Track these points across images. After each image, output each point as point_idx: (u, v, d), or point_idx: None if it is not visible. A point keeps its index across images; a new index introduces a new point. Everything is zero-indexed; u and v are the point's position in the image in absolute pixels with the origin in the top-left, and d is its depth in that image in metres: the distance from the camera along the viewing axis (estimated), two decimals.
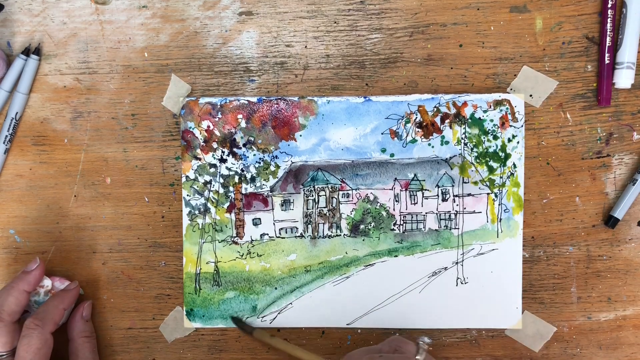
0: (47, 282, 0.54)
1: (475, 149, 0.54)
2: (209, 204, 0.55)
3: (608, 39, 0.53)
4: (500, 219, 0.54)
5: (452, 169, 0.54)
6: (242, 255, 0.55)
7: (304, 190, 0.55)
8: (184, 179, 0.55)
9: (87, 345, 0.53)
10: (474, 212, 0.54)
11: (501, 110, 0.54)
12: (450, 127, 0.54)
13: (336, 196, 0.55)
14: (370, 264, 0.55)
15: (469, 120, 0.54)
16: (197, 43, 0.55)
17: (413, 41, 0.54)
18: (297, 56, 0.55)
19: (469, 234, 0.54)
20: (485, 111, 0.54)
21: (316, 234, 0.55)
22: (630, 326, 0.55)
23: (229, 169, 0.55)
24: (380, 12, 0.54)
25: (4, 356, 0.49)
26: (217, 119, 0.55)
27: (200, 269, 0.55)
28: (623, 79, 0.53)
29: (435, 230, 0.55)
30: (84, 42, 0.55)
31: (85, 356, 0.52)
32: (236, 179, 0.55)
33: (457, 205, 0.54)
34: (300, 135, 0.55)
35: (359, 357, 0.47)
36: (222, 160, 0.55)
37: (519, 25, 0.54)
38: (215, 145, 0.55)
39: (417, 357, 0.46)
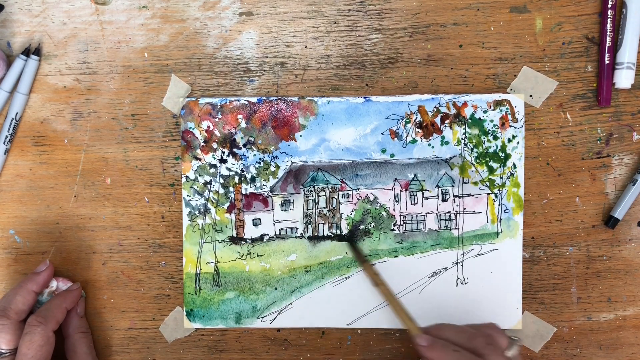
0: (52, 283, 0.54)
1: (475, 149, 0.54)
2: (209, 205, 0.55)
3: (608, 39, 0.53)
4: (500, 219, 0.54)
5: (452, 169, 0.54)
6: (242, 256, 0.55)
7: (304, 190, 0.55)
8: (184, 179, 0.55)
9: (83, 341, 0.53)
10: (474, 212, 0.54)
11: (501, 111, 0.54)
12: (450, 128, 0.54)
13: (336, 196, 0.55)
14: (370, 265, 0.55)
15: (469, 121, 0.54)
16: (197, 43, 0.55)
17: (413, 41, 0.54)
18: (297, 56, 0.55)
19: (469, 234, 0.54)
20: (485, 111, 0.54)
21: (317, 234, 0.55)
22: (630, 326, 0.55)
23: (229, 170, 0.55)
24: (380, 12, 0.54)
25: (7, 354, 0.49)
26: (217, 120, 0.55)
27: (200, 269, 0.55)
28: (623, 79, 0.53)
29: (436, 230, 0.55)
30: (84, 43, 0.55)
31: (83, 351, 0.53)
32: (236, 179, 0.55)
33: (457, 205, 0.54)
34: (300, 136, 0.55)
35: (449, 334, 0.47)
36: (222, 161, 0.55)
37: (519, 26, 0.54)
38: (215, 145, 0.55)
39: (507, 353, 0.46)
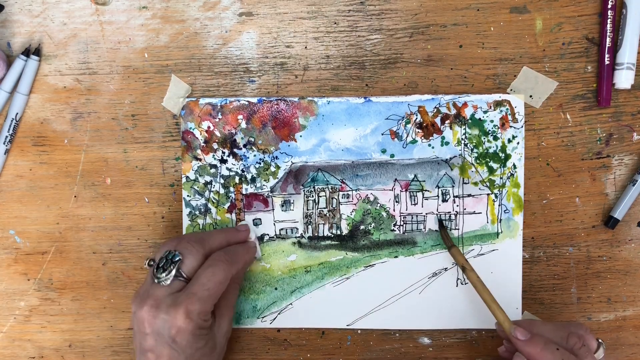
0: (252, 236, 0.54)
1: (475, 150, 0.54)
2: (209, 205, 0.55)
3: (608, 39, 0.53)
4: (500, 220, 0.54)
5: (452, 169, 0.54)
6: None
7: (304, 190, 0.55)
8: (184, 180, 0.55)
9: (235, 292, 0.52)
10: (474, 212, 0.54)
11: (501, 111, 0.54)
12: (451, 128, 0.54)
13: (336, 197, 0.55)
14: (370, 265, 0.55)
15: (469, 121, 0.54)
16: (197, 44, 0.55)
17: (413, 42, 0.54)
18: (297, 57, 0.55)
19: (469, 234, 0.54)
20: (485, 112, 0.54)
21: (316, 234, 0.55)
22: (630, 327, 0.55)
23: (230, 170, 0.55)
24: (380, 12, 0.54)
25: (182, 279, 0.47)
26: (217, 120, 0.55)
27: None
28: (623, 79, 0.53)
29: (436, 230, 0.55)
30: (84, 43, 0.55)
31: (231, 301, 0.52)
32: (236, 179, 0.55)
33: (457, 206, 0.54)
34: (301, 136, 0.55)
35: (543, 330, 0.46)
36: (223, 161, 0.55)
37: (519, 26, 0.54)
38: (215, 145, 0.55)
39: (597, 355, 0.46)
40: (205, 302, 0.46)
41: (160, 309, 0.45)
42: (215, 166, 0.55)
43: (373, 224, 0.55)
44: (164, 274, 0.47)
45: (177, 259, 0.47)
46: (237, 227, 0.54)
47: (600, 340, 0.48)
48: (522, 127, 0.54)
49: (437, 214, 0.54)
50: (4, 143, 0.55)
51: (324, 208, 0.55)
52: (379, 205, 0.55)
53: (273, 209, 0.55)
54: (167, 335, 0.45)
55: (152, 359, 0.46)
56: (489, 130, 0.54)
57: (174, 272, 0.47)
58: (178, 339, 0.45)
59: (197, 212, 0.55)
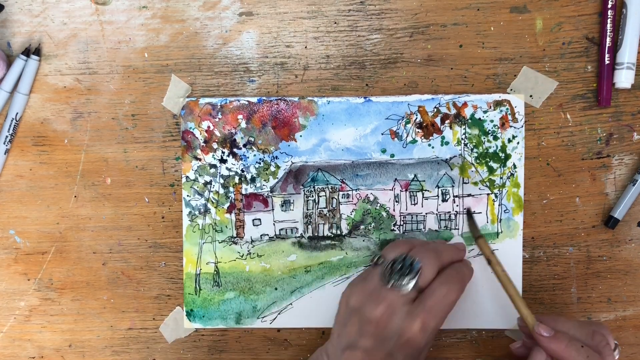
0: None
1: (475, 150, 0.54)
2: (209, 205, 0.55)
3: (608, 39, 0.53)
4: (500, 220, 0.54)
5: (452, 169, 0.54)
6: (242, 256, 0.55)
7: (304, 190, 0.55)
8: (184, 180, 0.55)
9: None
10: (474, 212, 0.54)
11: (501, 111, 0.54)
12: (451, 128, 0.54)
13: (336, 197, 0.55)
14: (369, 265, 0.55)
15: (469, 121, 0.54)
16: (197, 43, 0.55)
17: (413, 42, 0.54)
18: (297, 56, 0.55)
19: (469, 234, 0.54)
20: (485, 112, 0.54)
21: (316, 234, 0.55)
22: (630, 327, 0.55)
23: (229, 170, 0.55)
24: (380, 12, 0.54)
25: (416, 290, 0.46)
26: (217, 120, 0.55)
27: (201, 269, 0.55)
28: (623, 79, 0.53)
29: (436, 230, 0.55)
30: (84, 43, 0.55)
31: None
32: (236, 179, 0.55)
33: (457, 205, 0.54)
34: (301, 136, 0.55)
35: (568, 327, 0.46)
36: (222, 161, 0.55)
37: (519, 26, 0.54)
38: (215, 145, 0.55)
39: (615, 354, 0.46)
40: (440, 319, 0.45)
41: (395, 315, 0.45)
42: (215, 166, 0.55)
43: (373, 224, 0.55)
44: (403, 280, 0.45)
45: (419, 266, 0.46)
46: (457, 245, 0.53)
47: (617, 344, 0.48)
48: (522, 126, 0.54)
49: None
50: (4, 143, 0.55)
51: (324, 208, 0.55)
52: (379, 205, 0.55)
53: (273, 209, 0.55)
54: (393, 342, 0.44)
55: (359, 356, 0.45)
56: (489, 130, 0.54)
57: (414, 280, 0.45)
58: (404, 348, 0.44)
59: (196, 212, 0.55)
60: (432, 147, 0.54)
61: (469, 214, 0.53)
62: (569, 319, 0.48)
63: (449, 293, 0.46)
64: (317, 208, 0.55)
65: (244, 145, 0.55)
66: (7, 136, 0.55)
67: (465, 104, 0.54)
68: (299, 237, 0.55)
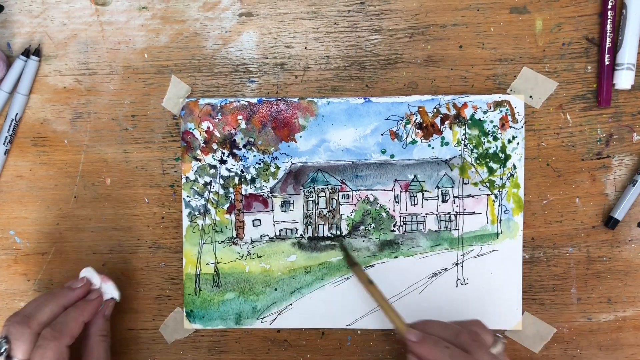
0: (96, 280, 0.53)
1: (475, 150, 0.54)
2: (209, 205, 0.55)
3: (608, 40, 0.53)
4: (500, 220, 0.54)
5: (452, 170, 0.54)
6: (242, 257, 0.55)
7: (304, 191, 0.55)
8: (184, 180, 0.55)
9: (102, 345, 0.52)
10: (474, 213, 0.54)
11: (501, 112, 0.54)
12: (450, 128, 0.54)
13: (336, 197, 0.55)
14: (370, 265, 0.55)
15: (469, 122, 0.54)
16: (197, 44, 0.55)
17: (413, 42, 0.54)
18: (297, 57, 0.55)
19: (469, 235, 0.54)
20: (485, 112, 0.54)
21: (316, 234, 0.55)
22: (630, 327, 0.55)
23: (229, 170, 0.55)
24: (380, 13, 0.54)
25: None
26: (217, 120, 0.55)
27: (200, 270, 0.55)
28: (623, 80, 0.53)
29: (435, 231, 0.55)
30: (83, 43, 0.55)
31: (100, 355, 0.51)
32: (236, 180, 0.55)
33: (457, 206, 0.54)
34: (300, 137, 0.55)
35: (436, 330, 0.47)
36: (222, 162, 0.55)
37: (519, 27, 0.54)
38: (215, 146, 0.55)
39: (492, 350, 0.46)
40: None
41: None
42: (214, 167, 0.55)
43: (373, 225, 0.55)
44: None
45: (4, 349, 0.47)
46: (71, 284, 0.52)
47: (498, 335, 0.48)
48: (522, 127, 0.54)
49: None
50: (3, 143, 0.55)
51: (324, 208, 0.55)
52: (378, 205, 0.55)
53: (273, 210, 0.55)
54: None
55: None
56: (489, 130, 0.54)
57: None
58: None
59: (196, 213, 0.55)
60: (432, 148, 0.54)
61: (343, 248, 0.54)
62: (436, 322, 0.48)
63: (42, 357, 0.47)
64: (317, 209, 0.55)
65: (244, 146, 0.55)
66: (7, 137, 0.55)
67: (465, 105, 0.54)
68: (298, 237, 0.55)
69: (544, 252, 0.55)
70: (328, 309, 0.55)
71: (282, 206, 0.55)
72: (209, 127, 0.55)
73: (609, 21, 0.53)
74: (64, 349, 0.48)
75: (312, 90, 0.55)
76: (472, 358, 0.44)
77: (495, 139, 0.54)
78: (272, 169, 0.55)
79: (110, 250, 0.56)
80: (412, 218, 0.55)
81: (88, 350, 0.51)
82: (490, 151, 0.54)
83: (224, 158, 0.55)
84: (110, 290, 0.53)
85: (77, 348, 0.51)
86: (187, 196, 0.55)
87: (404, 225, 0.55)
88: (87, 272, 0.53)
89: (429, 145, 0.54)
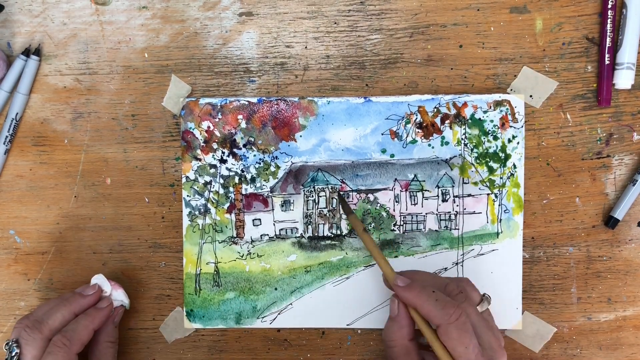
0: (107, 287, 0.53)
1: (475, 150, 0.54)
2: (209, 205, 0.55)
3: (608, 39, 0.53)
4: (500, 220, 0.54)
5: (452, 169, 0.54)
6: (242, 256, 0.55)
7: (304, 190, 0.55)
8: (184, 180, 0.55)
9: (110, 351, 0.52)
10: (474, 212, 0.54)
11: (501, 111, 0.54)
12: (451, 128, 0.54)
13: (336, 197, 0.55)
14: (370, 265, 0.55)
15: (469, 121, 0.54)
16: (197, 44, 0.55)
17: (413, 42, 0.54)
18: (297, 57, 0.55)
19: (469, 234, 0.54)
20: (485, 112, 0.54)
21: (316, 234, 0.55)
22: (630, 327, 0.55)
23: (229, 170, 0.55)
24: (380, 12, 0.54)
25: None
26: (217, 120, 0.55)
27: (201, 269, 0.55)
28: (623, 79, 0.53)
29: (436, 230, 0.55)
30: (84, 43, 0.55)
31: None
32: (236, 179, 0.55)
33: (457, 205, 0.54)
34: (301, 136, 0.55)
35: (424, 278, 0.48)
36: (222, 161, 0.55)
37: (519, 26, 0.54)
38: (215, 145, 0.55)
39: (478, 307, 0.47)
40: None
41: None
42: (215, 166, 0.55)
43: (373, 224, 0.55)
44: None
45: (14, 353, 0.47)
46: (83, 290, 0.52)
47: (487, 295, 0.48)
48: (522, 127, 0.54)
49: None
50: (4, 143, 0.55)
51: (324, 208, 0.55)
52: (379, 205, 0.55)
53: (273, 209, 0.55)
54: None
55: None
56: (489, 130, 0.54)
57: None
58: None
59: (196, 212, 0.55)
60: (432, 147, 0.54)
61: (339, 195, 0.54)
62: (425, 273, 0.50)
63: None
64: (317, 208, 0.55)
65: (244, 146, 0.55)
66: (7, 136, 0.55)
67: (465, 104, 0.54)
68: (299, 237, 0.55)
69: (544, 251, 0.55)
70: (328, 308, 0.55)
71: (282, 206, 0.55)
72: (209, 127, 0.55)
73: (609, 21, 0.53)
74: (73, 357, 0.48)
75: (312, 89, 0.55)
76: (457, 305, 0.45)
77: (496, 138, 0.54)
78: (272, 169, 0.55)
79: (110, 249, 0.56)
80: (412, 217, 0.55)
81: (96, 357, 0.51)
82: (491, 151, 0.54)
83: (224, 157, 0.55)
84: (121, 298, 0.54)
85: (84, 353, 0.51)
86: (187, 196, 0.55)
87: (404, 225, 0.55)
88: (99, 279, 0.53)
89: (429, 145, 0.54)
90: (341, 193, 0.54)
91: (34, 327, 0.48)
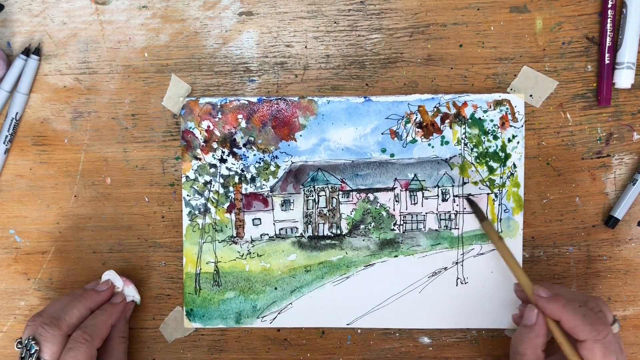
0: (119, 283, 0.54)
1: (475, 149, 0.54)
2: (209, 204, 0.55)
3: (608, 39, 0.53)
4: (500, 219, 0.54)
5: (452, 169, 0.54)
6: (242, 256, 0.55)
7: (304, 190, 0.55)
8: (184, 179, 0.55)
9: (122, 346, 0.52)
10: (474, 212, 0.54)
11: (501, 111, 0.54)
12: (450, 127, 0.54)
13: (336, 196, 0.55)
14: (370, 264, 0.55)
15: (469, 121, 0.54)
16: (197, 43, 0.55)
17: (413, 41, 0.54)
18: (297, 56, 0.55)
19: (469, 234, 0.54)
20: (485, 111, 0.54)
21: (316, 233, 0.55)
22: (630, 326, 0.55)
23: (229, 169, 0.55)
24: (380, 12, 0.54)
25: None
26: (217, 119, 0.55)
27: (200, 269, 0.55)
28: (623, 79, 0.53)
29: (436, 230, 0.55)
30: (84, 42, 0.55)
31: (120, 356, 0.52)
32: (236, 179, 0.55)
33: (457, 205, 0.54)
34: (300, 136, 0.55)
35: (564, 292, 0.48)
36: (222, 161, 0.55)
37: (519, 26, 0.54)
38: (215, 145, 0.55)
39: (613, 326, 0.46)
40: None
41: None
42: (215, 166, 0.55)
43: (373, 224, 0.55)
44: None
45: (34, 350, 0.47)
46: (97, 287, 0.53)
47: (616, 317, 0.48)
48: (522, 126, 0.54)
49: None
50: (4, 142, 0.55)
51: (324, 207, 0.55)
52: (379, 204, 0.55)
53: (273, 209, 0.55)
54: None
55: None
56: (489, 129, 0.54)
57: None
58: None
59: (196, 212, 0.55)
60: (432, 147, 0.54)
61: (472, 203, 0.54)
62: (564, 287, 0.50)
63: (74, 359, 0.47)
64: (317, 207, 0.55)
65: (244, 145, 0.55)
66: (7, 136, 0.55)
67: (465, 104, 0.54)
68: (298, 236, 0.55)
69: (544, 251, 0.55)
70: (328, 307, 0.55)
71: (282, 205, 0.55)
72: (209, 126, 0.55)
73: (609, 20, 0.53)
74: (94, 352, 0.48)
75: (312, 89, 0.55)
76: (606, 323, 0.45)
77: (495, 138, 0.54)
78: (272, 168, 0.55)
79: (110, 249, 0.56)
80: (412, 217, 0.55)
81: (108, 352, 0.51)
82: (490, 150, 0.54)
83: (224, 157, 0.55)
84: (132, 293, 0.54)
85: None
86: (187, 195, 0.55)
87: (404, 224, 0.55)
88: (110, 275, 0.53)
89: (429, 144, 0.54)
90: (470, 198, 0.54)
91: (51, 323, 0.48)
